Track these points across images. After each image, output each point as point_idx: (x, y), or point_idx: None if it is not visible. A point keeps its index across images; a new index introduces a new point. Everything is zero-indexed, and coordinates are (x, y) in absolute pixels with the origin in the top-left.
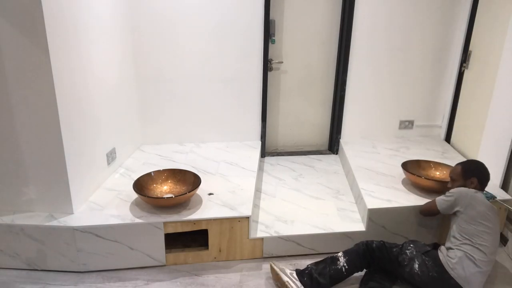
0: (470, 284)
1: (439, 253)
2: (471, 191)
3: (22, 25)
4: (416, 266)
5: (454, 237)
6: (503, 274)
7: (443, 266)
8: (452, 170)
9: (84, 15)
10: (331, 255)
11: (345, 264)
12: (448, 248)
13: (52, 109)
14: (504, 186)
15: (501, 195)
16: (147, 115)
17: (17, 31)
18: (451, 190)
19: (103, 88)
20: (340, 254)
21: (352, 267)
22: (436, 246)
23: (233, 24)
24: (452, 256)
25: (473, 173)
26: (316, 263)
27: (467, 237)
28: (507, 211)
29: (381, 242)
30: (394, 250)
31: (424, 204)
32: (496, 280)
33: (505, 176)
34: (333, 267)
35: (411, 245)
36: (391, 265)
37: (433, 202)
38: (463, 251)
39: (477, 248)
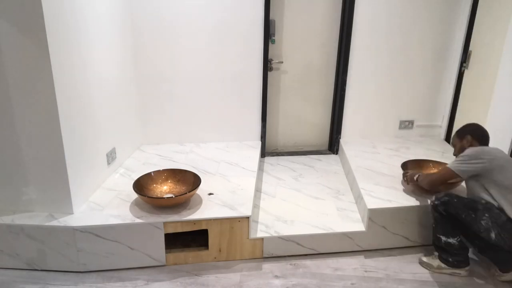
0: None
1: None
2: (480, 147)
3: (22, 25)
4: (493, 235)
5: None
6: None
7: None
8: (452, 137)
9: (84, 15)
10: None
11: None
12: None
13: (52, 109)
14: None
15: None
16: (147, 115)
17: (17, 31)
18: (461, 154)
19: (103, 88)
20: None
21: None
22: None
23: (233, 24)
24: None
25: (465, 132)
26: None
27: None
28: None
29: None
30: (468, 218)
31: (431, 176)
32: (496, 280)
33: None
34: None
35: (486, 215)
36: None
37: (444, 169)
38: None
39: None
